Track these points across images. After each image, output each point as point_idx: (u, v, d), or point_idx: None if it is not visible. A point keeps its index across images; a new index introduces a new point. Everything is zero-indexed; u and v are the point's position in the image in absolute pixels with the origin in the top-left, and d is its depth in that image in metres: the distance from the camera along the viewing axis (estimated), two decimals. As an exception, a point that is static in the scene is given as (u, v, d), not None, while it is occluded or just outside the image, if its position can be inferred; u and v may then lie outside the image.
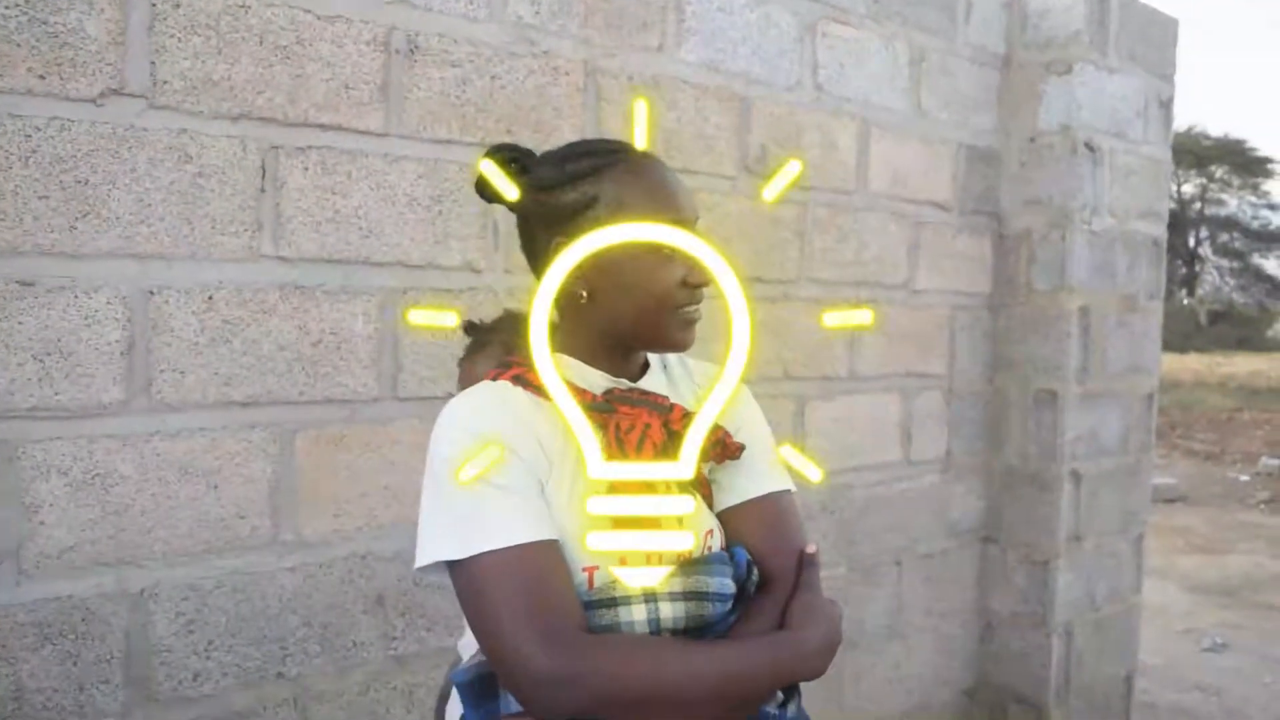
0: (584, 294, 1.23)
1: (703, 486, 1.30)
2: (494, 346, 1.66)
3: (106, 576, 1.93)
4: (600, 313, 1.25)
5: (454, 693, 1.31)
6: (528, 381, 1.23)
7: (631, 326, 1.24)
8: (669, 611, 1.18)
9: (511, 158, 1.31)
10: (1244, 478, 10.59)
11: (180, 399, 1.99)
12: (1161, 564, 6.70)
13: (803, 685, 1.26)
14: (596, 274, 1.22)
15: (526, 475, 1.17)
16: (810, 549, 1.29)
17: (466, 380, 1.71)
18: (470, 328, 1.76)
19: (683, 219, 1.23)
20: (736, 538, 1.29)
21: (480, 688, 1.20)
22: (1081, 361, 3.55)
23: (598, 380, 1.27)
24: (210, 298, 2.02)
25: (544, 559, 1.13)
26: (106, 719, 1.94)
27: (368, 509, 2.23)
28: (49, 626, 1.88)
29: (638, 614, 1.17)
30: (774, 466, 1.34)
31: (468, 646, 1.29)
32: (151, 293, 1.95)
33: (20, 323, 1.82)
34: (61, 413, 1.87)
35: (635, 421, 1.22)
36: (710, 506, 1.30)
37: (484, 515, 1.13)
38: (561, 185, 1.24)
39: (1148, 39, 3.74)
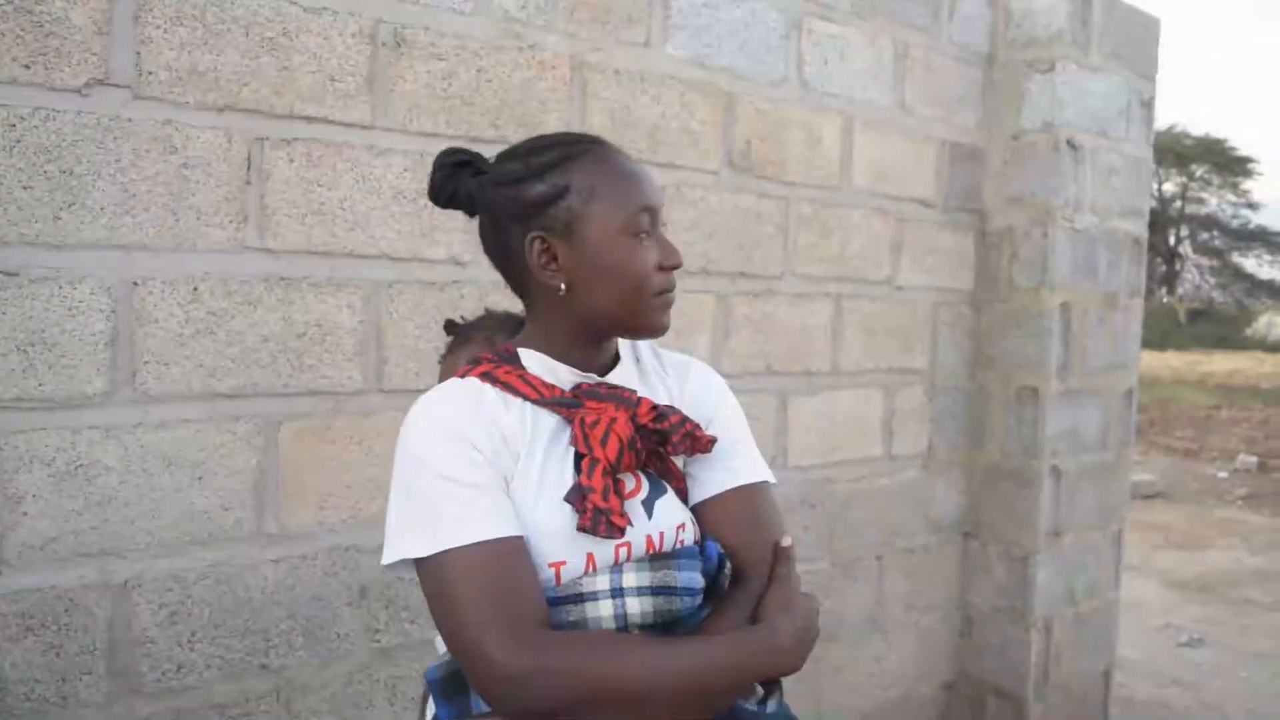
0: (562, 286, 1.23)
1: (677, 480, 1.30)
2: (475, 344, 1.67)
3: (89, 567, 1.93)
4: (580, 303, 1.24)
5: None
6: (496, 378, 1.24)
7: (613, 313, 1.24)
8: (636, 607, 1.17)
9: (463, 161, 1.31)
10: (1222, 474, 10.67)
11: (164, 390, 1.99)
12: (1140, 560, 6.75)
13: (782, 680, 1.26)
14: (574, 265, 1.23)
15: (492, 472, 1.16)
16: (785, 542, 1.28)
17: (447, 378, 1.70)
18: (451, 326, 1.76)
19: (653, 203, 1.24)
20: (711, 531, 1.28)
21: (450, 684, 1.21)
22: (1062, 358, 3.57)
23: (565, 375, 1.26)
24: (195, 289, 2.01)
25: (508, 556, 1.12)
26: (89, 710, 1.94)
27: (352, 501, 2.23)
28: (31, 617, 1.87)
29: (604, 610, 1.16)
30: (750, 459, 1.35)
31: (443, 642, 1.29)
32: (136, 284, 1.95)
33: (4, 313, 1.81)
34: (45, 403, 1.87)
35: (601, 416, 1.22)
36: (685, 500, 1.30)
37: (448, 512, 1.13)
38: (529, 178, 1.24)
39: (1130, 38, 3.76)
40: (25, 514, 1.86)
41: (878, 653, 3.50)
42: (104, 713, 1.95)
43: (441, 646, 1.29)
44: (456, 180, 1.31)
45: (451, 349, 1.73)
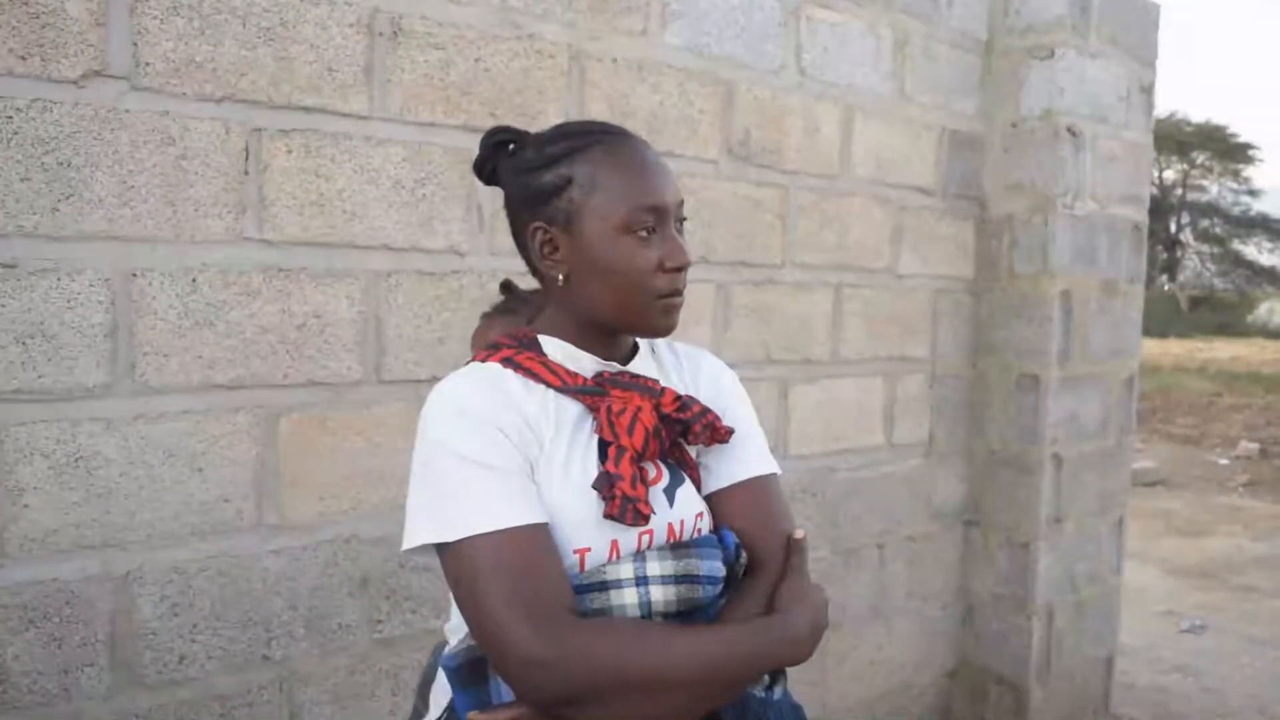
0: (560, 278, 1.24)
1: (691, 469, 1.30)
2: (517, 317, 1.65)
3: (91, 560, 1.93)
4: (579, 297, 1.24)
5: (439, 675, 1.31)
6: (517, 364, 1.24)
7: (610, 311, 1.23)
8: (660, 595, 1.17)
9: (506, 140, 1.31)
10: (1223, 461, 10.67)
11: (164, 382, 1.99)
12: (1141, 547, 6.75)
13: (787, 668, 1.27)
14: (573, 258, 1.23)
15: (517, 457, 1.16)
16: (798, 534, 1.28)
17: (478, 338, 1.72)
18: (507, 288, 1.75)
19: (660, 202, 1.22)
20: (724, 521, 1.28)
21: (469, 672, 1.20)
22: (1063, 345, 3.57)
23: (587, 363, 1.26)
24: (194, 280, 2.01)
25: (534, 542, 1.12)
26: (91, 701, 1.94)
27: (352, 492, 2.23)
28: (33, 610, 1.87)
29: (629, 597, 1.16)
30: (760, 451, 1.35)
31: (455, 630, 1.28)
32: (134, 275, 1.94)
33: (2, 305, 1.81)
34: (44, 395, 1.86)
35: (627, 404, 1.22)
36: (698, 490, 1.30)
37: (473, 498, 1.12)
38: (540, 168, 1.24)
39: (1129, 24, 3.75)
40: (26, 506, 1.86)
41: (879, 641, 3.51)
42: (106, 704, 1.96)
43: (454, 636, 1.29)
44: (496, 158, 1.32)
45: (496, 310, 1.73)
